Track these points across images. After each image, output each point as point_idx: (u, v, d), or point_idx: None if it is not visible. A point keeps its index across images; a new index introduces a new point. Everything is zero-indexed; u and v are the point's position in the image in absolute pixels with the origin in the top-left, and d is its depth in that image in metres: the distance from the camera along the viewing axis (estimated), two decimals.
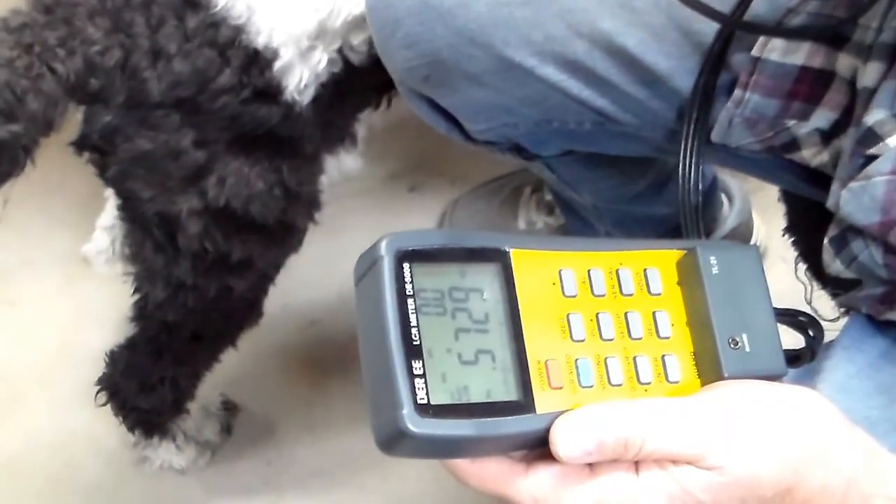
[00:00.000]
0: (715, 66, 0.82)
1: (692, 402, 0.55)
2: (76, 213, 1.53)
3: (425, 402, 0.50)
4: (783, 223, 1.07)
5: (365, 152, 1.64)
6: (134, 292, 1.19)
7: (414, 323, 0.51)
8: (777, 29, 0.79)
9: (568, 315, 0.56)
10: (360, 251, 1.53)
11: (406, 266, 0.52)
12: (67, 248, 1.52)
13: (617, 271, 0.58)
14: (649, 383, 0.56)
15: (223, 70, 0.97)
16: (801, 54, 0.79)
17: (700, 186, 0.79)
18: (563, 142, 0.98)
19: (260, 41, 0.97)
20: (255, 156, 1.03)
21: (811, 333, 0.64)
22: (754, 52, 0.81)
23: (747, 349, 0.58)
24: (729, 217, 1.42)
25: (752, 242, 1.46)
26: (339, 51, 1.03)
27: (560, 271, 0.57)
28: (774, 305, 0.60)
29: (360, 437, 1.39)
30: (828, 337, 0.68)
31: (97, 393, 1.27)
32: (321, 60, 1.01)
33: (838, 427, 0.55)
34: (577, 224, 1.33)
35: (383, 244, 0.53)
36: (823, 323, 0.65)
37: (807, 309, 0.82)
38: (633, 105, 0.89)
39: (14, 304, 1.54)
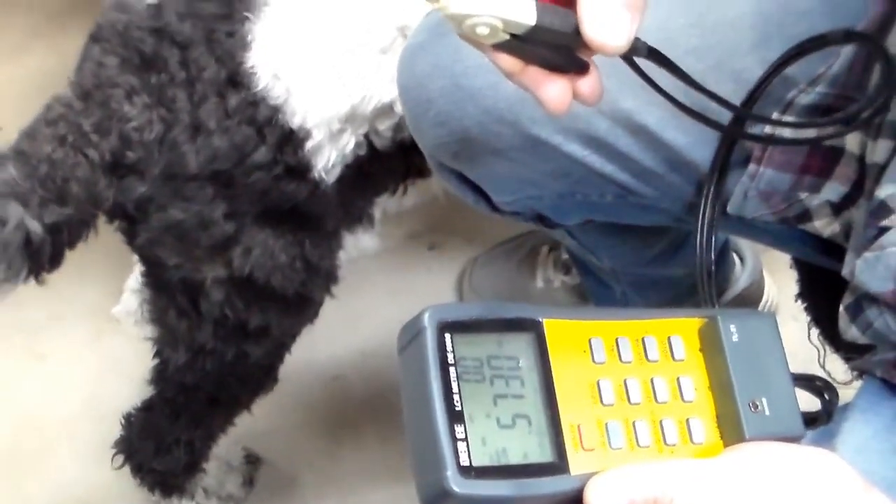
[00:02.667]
0: (728, 147, 0.85)
1: (717, 463, 0.57)
2: (106, 270, 1.57)
3: (468, 464, 0.53)
4: (794, 283, 1.09)
5: (386, 212, 1.68)
6: (154, 356, 1.22)
7: (456, 390, 0.54)
8: (782, 122, 0.83)
9: (598, 381, 0.59)
10: (381, 308, 1.58)
11: (447, 336, 0.55)
12: (96, 304, 1.57)
13: (643, 339, 0.61)
14: (675, 444, 0.59)
15: (259, 147, 1.00)
16: (811, 131, 0.82)
17: (715, 256, 0.81)
18: (585, 212, 1.01)
19: (295, 121, 1.01)
20: (281, 229, 1.06)
21: (827, 397, 0.66)
22: (767, 128, 0.84)
23: (767, 412, 0.60)
24: (741, 277, 1.45)
25: (763, 301, 1.49)
26: (366, 135, 1.07)
27: (590, 340, 0.60)
28: (791, 370, 0.63)
29: (383, 490, 1.42)
30: (842, 399, 0.70)
31: (114, 455, 1.29)
32: (349, 143, 1.05)
33: (856, 488, 0.57)
34: (593, 285, 1.36)
35: (426, 316, 0.56)
36: (837, 385, 0.67)
37: (820, 372, 0.85)
38: (652, 179, 0.92)
39: (43, 358, 1.57)
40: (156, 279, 1.14)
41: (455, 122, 0.93)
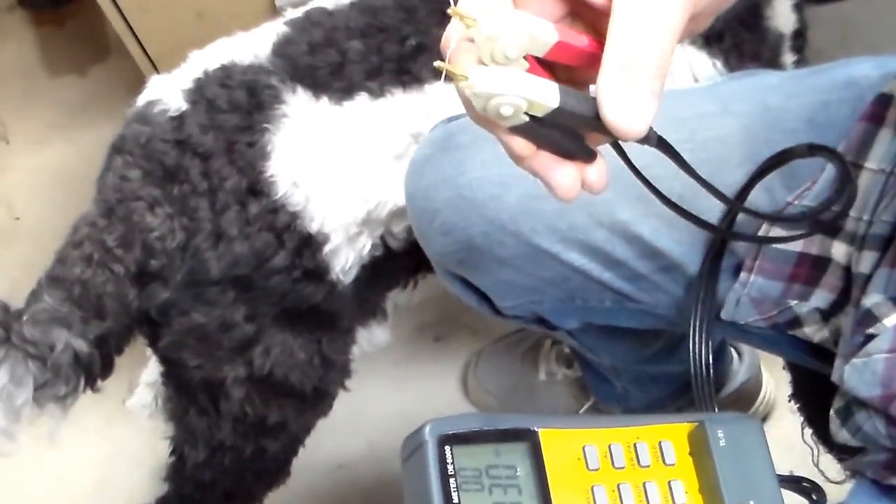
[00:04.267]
0: (717, 254, 0.87)
1: None
2: (117, 360, 1.58)
3: None
4: (789, 384, 1.11)
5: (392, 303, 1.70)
6: (171, 453, 1.23)
7: (456, 500, 0.56)
8: (761, 238, 0.85)
9: (592, 487, 0.61)
10: (386, 397, 1.59)
11: (447, 448, 0.58)
12: (107, 391, 1.57)
13: (635, 445, 0.63)
14: None
15: (279, 252, 1.03)
16: (799, 242, 0.85)
17: (710, 361, 0.83)
18: (584, 316, 1.03)
19: (314, 226, 1.03)
20: (299, 328, 1.08)
21: (815, 497, 0.68)
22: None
23: None
24: (739, 372, 1.47)
25: (760, 396, 1.50)
26: (382, 237, 1.09)
27: (584, 447, 0.62)
28: (780, 470, 0.64)
29: None
30: (837, 497, 0.72)
31: None
32: (366, 245, 1.08)
33: None
34: (595, 380, 1.38)
35: (427, 430, 0.58)
36: (830, 485, 0.70)
37: (815, 470, 0.87)
38: (648, 286, 0.94)
39: (54, 444, 1.59)
40: (176, 379, 1.16)
41: (460, 232, 0.95)
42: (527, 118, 0.55)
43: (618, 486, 0.62)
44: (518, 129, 0.57)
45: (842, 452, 0.84)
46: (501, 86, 0.54)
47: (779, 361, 1.14)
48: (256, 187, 1.02)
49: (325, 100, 1.05)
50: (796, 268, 0.86)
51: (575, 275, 0.95)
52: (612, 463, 0.63)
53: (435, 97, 1.06)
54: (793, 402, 1.06)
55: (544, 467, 0.60)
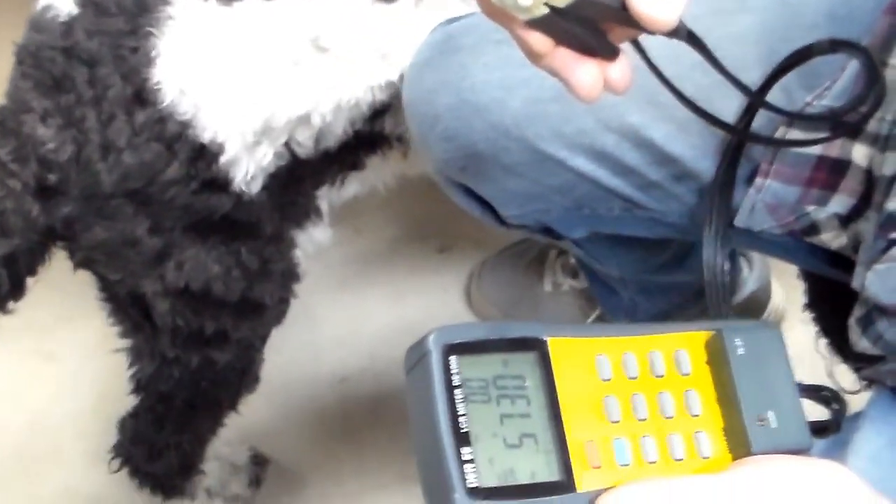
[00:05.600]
0: (733, 158, 0.85)
1: (725, 478, 0.57)
2: None
3: (475, 485, 0.53)
4: (801, 286, 1.09)
5: (394, 214, 1.68)
6: (129, 366, 1.23)
7: (462, 412, 0.55)
8: (780, 140, 0.83)
9: (604, 397, 0.59)
10: (389, 310, 1.59)
11: (452, 358, 0.56)
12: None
13: (649, 354, 0.61)
14: (682, 459, 0.59)
15: (171, 163, 0.99)
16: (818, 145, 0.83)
17: (725, 268, 0.81)
18: (592, 225, 1.02)
19: (206, 136, 0.99)
20: (212, 241, 1.06)
21: (835, 407, 0.66)
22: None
23: (774, 425, 0.60)
24: (748, 281, 1.46)
25: (770, 306, 1.50)
26: (286, 145, 1.05)
27: (596, 356, 0.60)
28: (798, 379, 0.63)
29: (389, 491, 1.43)
30: (851, 408, 0.70)
31: (111, 460, 1.31)
32: (267, 154, 1.04)
33: (865, 498, 0.57)
34: (601, 291, 1.37)
35: (430, 339, 0.56)
36: (846, 395, 0.67)
37: (828, 381, 0.86)
38: (659, 193, 0.92)
39: (53, 357, 1.59)
40: (107, 294, 1.15)
41: (462, 138, 0.93)
42: (546, 10, 0.53)
43: (631, 396, 0.60)
44: (536, 23, 0.54)
45: (860, 361, 0.83)
46: None
47: (790, 270, 1.13)
48: (142, 95, 0.98)
49: (213, 0, 1.00)
50: (814, 171, 0.84)
51: (582, 182, 0.93)
52: (626, 373, 0.61)
53: None
54: (807, 312, 1.04)
55: (554, 378, 0.58)
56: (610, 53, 0.56)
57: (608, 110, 0.89)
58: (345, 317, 1.61)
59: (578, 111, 0.89)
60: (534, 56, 0.56)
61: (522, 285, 1.57)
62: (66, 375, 1.58)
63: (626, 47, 0.58)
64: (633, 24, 0.53)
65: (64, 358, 1.59)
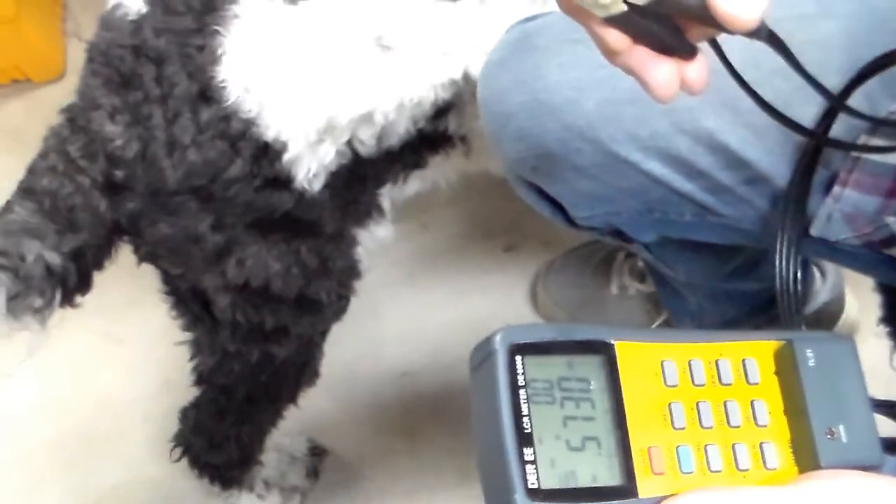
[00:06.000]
0: (810, 165, 0.84)
1: (792, 491, 0.56)
2: None
3: (536, 486, 0.53)
4: (876, 298, 1.08)
5: (462, 211, 1.68)
6: (191, 358, 1.24)
7: (525, 412, 0.54)
8: (859, 146, 0.81)
9: (669, 404, 0.58)
10: (453, 307, 1.58)
11: (518, 359, 0.55)
12: None
13: (716, 362, 0.61)
14: (748, 470, 0.58)
15: (234, 160, 1.00)
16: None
17: (798, 277, 0.80)
18: (662, 229, 1.01)
19: (270, 134, 1.00)
20: (273, 238, 1.07)
21: None
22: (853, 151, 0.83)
23: (844, 440, 0.59)
24: (822, 292, 1.44)
25: (843, 317, 1.47)
26: (349, 143, 1.05)
27: (662, 362, 0.59)
28: (871, 395, 0.62)
29: (447, 488, 1.43)
30: None
31: (172, 448, 1.33)
32: (329, 153, 1.04)
33: None
34: (668, 296, 1.35)
35: (497, 338, 0.56)
36: None
37: None
38: (733, 199, 0.91)
39: (121, 341, 1.62)
40: (170, 287, 1.17)
41: (535, 138, 0.93)
42: (625, 7, 0.52)
43: (697, 403, 0.59)
44: (614, 20, 0.54)
45: None
46: None
47: (864, 282, 1.11)
48: (207, 93, 0.99)
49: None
50: (895, 182, 0.81)
51: (655, 185, 0.92)
52: (692, 380, 0.60)
53: None
54: (882, 325, 1.02)
55: (619, 382, 0.58)
56: (687, 53, 0.56)
57: (683, 113, 0.88)
58: (409, 312, 1.61)
59: (653, 114, 0.88)
60: (610, 53, 0.56)
61: (589, 287, 1.56)
62: (133, 359, 1.60)
63: (703, 47, 0.57)
64: (713, 23, 0.52)
65: (132, 342, 1.62)
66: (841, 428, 0.60)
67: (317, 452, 1.47)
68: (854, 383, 0.61)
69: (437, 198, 1.67)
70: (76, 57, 1.05)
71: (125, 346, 1.62)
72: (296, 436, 1.45)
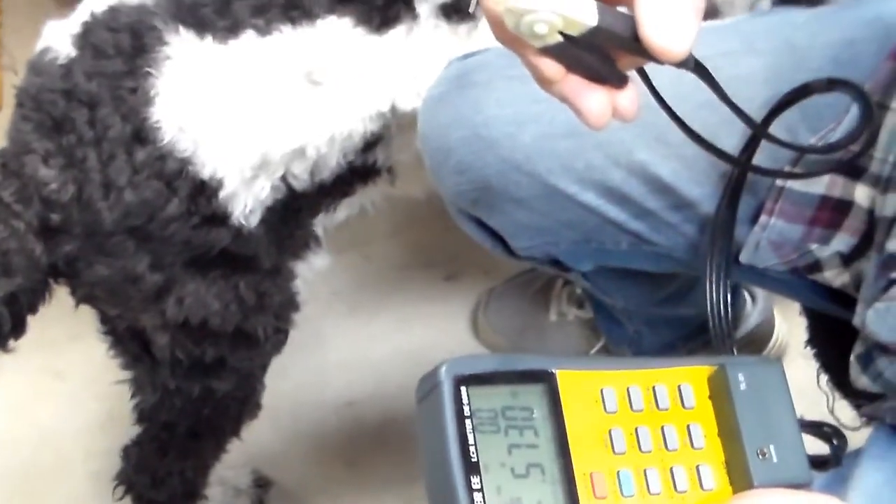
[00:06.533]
0: (735, 192, 0.86)
1: None
2: None
3: None
4: (803, 322, 1.10)
5: (403, 242, 1.69)
6: (132, 396, 1.23)
7: (472, 441, 0.56)
8: (783, 172, 0.84)
9: (610, 430, 0.60)
10: (395, 335, 1.58)
11: (463, 389, 0.57)
12: None
13: (653, 388, 0.63)
14: (685, 491, 0.60)
15: (171, 199, 1.00)
16: (821, 184, 0.84)
17: (728, 303, 0.82)
18: (600, 258, 1.02)
19: (205, 172, 1.00)
20: (212, 276, 1.07)
21: (835, 442, 0.67)
22: (778, 181, 0.85)
23: (775, 460, 0.62)
24: (752, 315, 1.47)
25: (772, 339, 1.50)
26: (283, 178, 1.06)
27: (602, 389, 0.61)
28: (799, 414, 0.64)
29: None
30: (851, 444, 0.71)
31: (115, 487, 1.31)
32: (264, 188, 1.04)
33: None
34: (606, 322, 1.37)
35: (443, 370, 0.57)
36: (846, 431, 0.69)
37: (829, 417, 0.87)
38: (666, 228, 0.93)
39: (63, 376, 1.59)
40: (108, 327, 1.16)
41: (475, 171, 0.95)
42: (560, 38, 0.53)
43: (636, 429, 0.61)
44: (549, 51, 0.55)
45: (859, 399, 0.84)
46: (537, 1, 0.52)
47: (792, 305, 1.14)
48: (141, 134, 0.99)
49: (209, 39, 1.01)
50: (818, 211, 0.85)
51: (591, 216, 0.94)
52: (631, 406, 0.62)
53: (327, 32, 1.02)
54: (808, 347, 1.05)
55: (561, 409, 0.60)
56: (619, 81, 0.57)
57: (617, 146, 0.90)
58: (352, 342, 1.61)
59: (588, 147, 0.91)
60: (545, 82, 0.56)
61: (528, 314, 1.58)
62: (74, 394, 1.58)
63: (632, 76, 0.59)
64: (644, 53, 0.53)
65: (73, 376, 1.59)
66: (772, 448, 0.62)
67: (261, 484, 1.46)
68: (783, 405, 0.64)
69: (379, 229, 1.70)
70: (13, 91, 1.05)
71: (66, 380, 1.60)
72: (240, 468, 1.44)
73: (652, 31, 0.51)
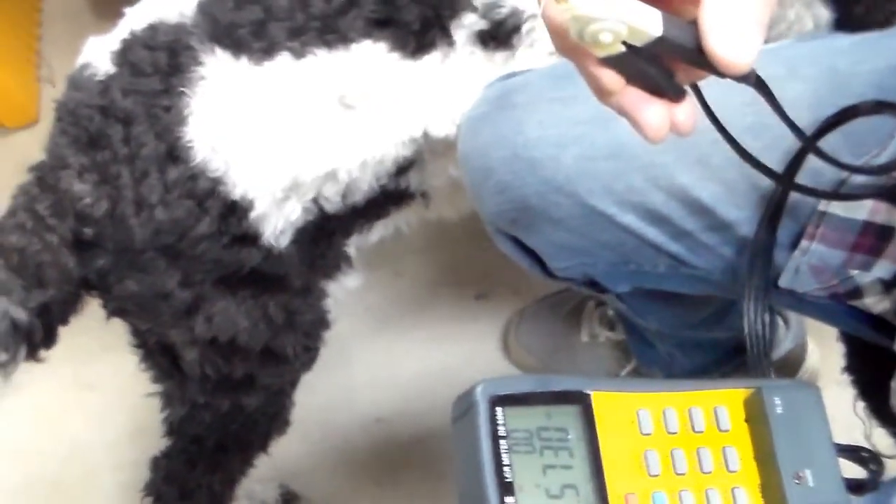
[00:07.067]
0: (774, 217, 0.86)
1: None
2: None
3: None
4: (837, 345, 1.09)
5: (435, 259, 1.69)
6: (162, 409, 1.24)
7: (506, 462, 0.56)
8: (826, 192, 0.83)
9: (645, 451, 0.61)
10: (425, 354, 1.58)
11: (499, 410, 0.57)
12: None
13: (689, 410, 0.63)
14: None
15: (202, 219, 1.01)
16: (864, 210, 0.83)
17: (767, 327, 0.82)
18: (637, 281, 1.02)
19: (236, 193, 1.01)
20: (241, 294, 1.07)
21: (873, 467, 0.67)
22: (820, 206, 0.85)
23: (811, 484, 0.61)
24: (785, 340, 1.45)
25: (805, 365, 1.49)
26: (314, 200, 1.06)
27: (637, 411, 0.62)
28: (836, 441, 0.64)
29: None
30: (891, 471, 0.70)
31: (143, 498, 1.32)
32: (295, 210, 1.05)
33: None
34: (638, 344, 1.37)
35: (478, 390, 0.58)
36: (884, 458, 0.68)
37: (864, 442, 0.86)
38: (705, 251, 0.93)
39: (93, 387, 1.61)
40: (139, 341, 1.17)
41: (515, 191, 0.95)
42: (623, 48, 0.53)
43: (671, 451, 0.61)
44: (611, 61, 0.54)
45: None
46: (604, 9, 0.51)
47: (825, 331, 1.12)
48: (174, 153, 1.00)
49: (244, 60, 1.01)
50: (860, 237, 0.84)
51: (630, 238, 0.94)
52: (666, 428, 0.62)
53: (362, 56, 1.03)
54: (845, 374, 1.04)
55: (596, 431, 0.60)
56: (677, 94, 0.56)
57: (658, 169, 0.90)
58: (381, 359, 1.61)
59: (629, 169, 0.90)
60: (603, 94, 0.56)
61: (560, 335, 1.57)
62: (104, 405, 1.59)
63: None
64: (706, 66, 0.53)
65: (103, 388, 1.61)
66: (808, 472, 0.62)
67: (288, 499, 1.47)
68: (820, 429, 0.64)
69: (411, 245, 1.70)
70: (51, 103, 1.07)
71: (96, 391, 1.61)
72: (267, 482, 1.45)
73: (717, 43, 0.51)
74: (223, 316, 1.07)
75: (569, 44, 0.53)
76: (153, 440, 1.30)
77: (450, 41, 1.04)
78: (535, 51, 1.05)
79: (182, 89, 1.00)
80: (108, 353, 1.59)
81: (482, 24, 1.04)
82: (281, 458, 1.34)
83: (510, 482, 0.56)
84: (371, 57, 1.02)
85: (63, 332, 1.05)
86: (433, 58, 1.04)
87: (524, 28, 1.04)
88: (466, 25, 1.03)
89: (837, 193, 0.83)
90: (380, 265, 1.69)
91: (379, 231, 1.21)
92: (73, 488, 1.52)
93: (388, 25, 1.02)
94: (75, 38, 1.07)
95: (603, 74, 0.54)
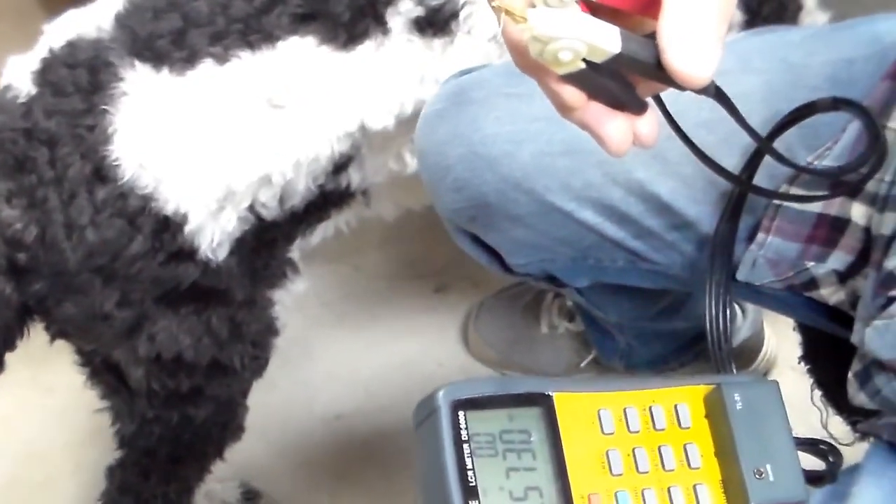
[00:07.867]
0: (735, 211, 0.86)
1: None
2: None
3: None
4: (792, 332, 1.11)
5: (393, 253, 1.69)
6: (111, 424, 1.23)
7: (469, 466, 0.56)
8: (780, 194, 0.84)
9: (607, 451, 0.60)
10: (384, 348, 1.56)
11: (461, 414, 0.57)
12: None
13: (650, 408, 0.63)
14: None
15: (135, 237, 0.98)
16: (817, 203, 0.84)
17: (727, 322, 0.82)
18: (596, 275, 1.02)
19: (169, 208, 0.99)
20: (183, 311, 1.05)
21: (831, 459, 0.68)
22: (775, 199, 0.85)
23: (771, 479, 0.62)
24: (742, 328, 1.47)
25: (762, 353, 1.50)
26: (251, 208, 1.05)
27: (599, 411, 0.61)
28: (795, 432, 0.64)
29: None
30: (847, 459, 0.71)
31: None
32: (231, 220, 1.03)
33: None
34: (597, 335, 1.38)
35: (440, 395, 0.58)
36: (840, 446, 0.69)
37: (822, 432, 0.87)
38: (663, 246, 0.94)
39: (51, 389, 1.58)
40: (83, 360, 1.16)
41: (472, 189, 0.95)
42: (583, 64, 0.53)
43: (633, 449, 0.61)
44: (571, 77, 0.54)
45: (855, 415, 0.84)
46: (563, 29, 0.51)
47: (782, 318, 1.14)
48: (101, 173, 0.98)
49: (165, 72, 0.99)
50: (814, 229, 0.85)
51: (589, 234, 0.94)
52: (628, 427, 0.62)
53: (289, 54, 1.01)
54: (802, 363, 1.05)
55: (559, 432, 0.60)
56: (639, 108, 0.57)
57: (615, 165, 0.90)
58: (341, 354, 1.61)
59: (586, 165, 0.91)
60: (565, 109, 0.56)
61: (519, 327, 1.57)
62: (61, 407, 1.57)
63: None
64: (666, 80, 0.53)
65: (60, 390, 1.58)
66: (768, 467, 0.62)
67: (250, 497, 1.46)
68: (779, 424, 0.64)
69: (369, 240, 1.69)
70: None
71: (52, 393, 1.59)
72: (227, 481, 1.44)
73: (676, 58, 0.51)
74: (166, 334, 1.05)
75: (529, 61, 0.53)
76: (112, 442, 1.29)
77: (384, 30, 1.02)
78: (473, 37, 1.04)
79: (104, 107, 0.97)
80: (64, 355, 1.57)
81: (419, 11, 1.02)
82: (241, 456, 1.33)
83: (474, 486, 0.56)
84: (299, 53, 1.00)
85: (4, 367, 1.03)
86: (366, 48, 1.02)
87: (462, 14, 1.03)
88: (403, 13, 1.02)
89: (795, 195, 0.84)
90: (337, 260, 1.68)
91: (319, 233, 1.19)
92: (32, 490, 1.50)
93: (315, 19, 1.01)
94: (25, 34, 1.05)
95: (564, 91, 0.55)
